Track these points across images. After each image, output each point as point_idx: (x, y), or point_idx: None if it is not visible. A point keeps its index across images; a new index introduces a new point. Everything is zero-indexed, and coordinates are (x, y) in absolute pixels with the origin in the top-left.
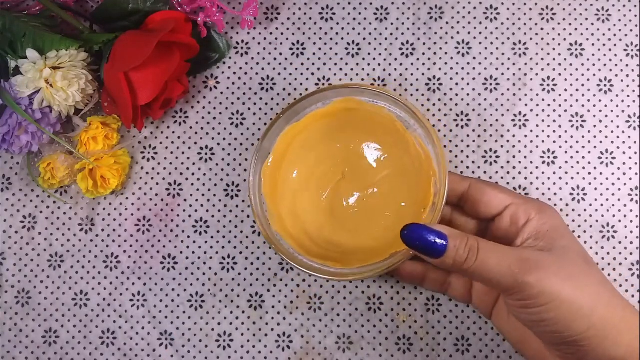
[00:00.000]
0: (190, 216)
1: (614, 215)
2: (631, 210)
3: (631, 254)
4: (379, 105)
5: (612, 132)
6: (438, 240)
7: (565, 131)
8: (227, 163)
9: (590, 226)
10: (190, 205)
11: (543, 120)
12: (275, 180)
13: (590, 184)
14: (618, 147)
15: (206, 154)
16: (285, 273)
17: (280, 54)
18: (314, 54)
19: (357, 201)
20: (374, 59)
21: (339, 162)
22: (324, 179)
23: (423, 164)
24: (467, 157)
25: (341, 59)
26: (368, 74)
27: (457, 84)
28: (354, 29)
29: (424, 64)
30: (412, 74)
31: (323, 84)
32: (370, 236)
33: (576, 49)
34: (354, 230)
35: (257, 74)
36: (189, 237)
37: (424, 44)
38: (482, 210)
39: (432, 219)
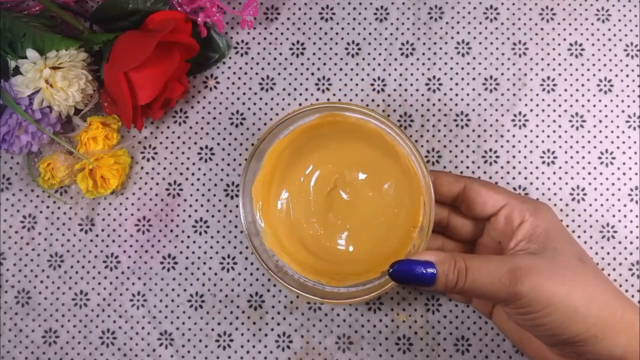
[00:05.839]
0: (190, 216)
1: (614, 215)
2: (631, 210)
3: (631, 254)
4: (366, 120)
5: (612, 132)
6: (426, 270)
7: (565, 131)
8: (227, 163)
9: (590, 226)
10: (190, 205)
11: (543, 120)
12: (267, 195)
13: (590, 184)
14: (618, 147)
15: (206, 154)
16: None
17: (280, 54)
18: (314, 54)
19: (350, 208)
20: (374, 59)
21: (330, 171)
22: (316, 188)
23: (413, 175)
24: (467, 157)
25: (341, 59)
26: (368, 74)
27: (457, 84)
28: (354, 29)
29: (424, 64)
30: (412, 74)
31: (323, 84)
32: (365, 243)
33: (576, 49)
34: (348, 238)
35: (257, 74)
36: (189, 237)
37: (424, 44)
38: (478, 210)
39: (420, 243)
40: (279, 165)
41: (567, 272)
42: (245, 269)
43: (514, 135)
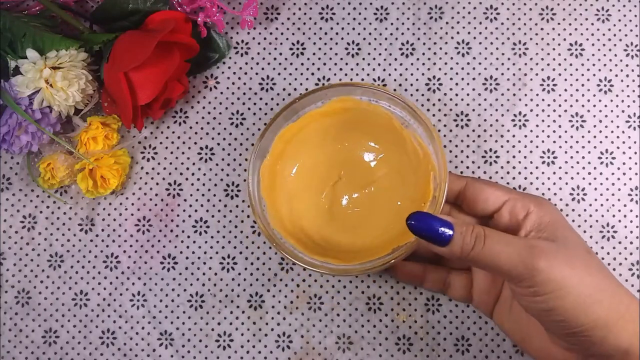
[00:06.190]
0: (190, 216)
1: (614, 215)
2: (631, 210)
3: (631, 254)
4: (376, 104)
5: (612, 132)
6: (444, 229)
7: (565, 131)
8: (227, 163)
9: (590, 226)
10: (190, 205)
11: (543, 120)
12: (274, 180)
13: (590, 184)
14: (618, 147)
15: (206, 154)
16: (285, 273)
17: (280, 54)
18: (314, 54)
19: (355, 201)
20: (374, 59)
21: (337, 163)
22: (322, 179)
23: (421, 161)
24: (467, 157)
25: (341, 59)
26: (368, 74)
27: (457, 84)
28: (354, 29)
29: (424, 64)
30: (412, 74)
31: (323, 84)
32: (369, 235)
33: (576, 49)
34: (353, 230)
35: (257, 74)
36: (189, 237)
37: (424, 44)
38: (480, 207)
39: (433, 212)
40: (286, 152)
41: (578, 261)
42: (245, 269)
43: (514, 135)
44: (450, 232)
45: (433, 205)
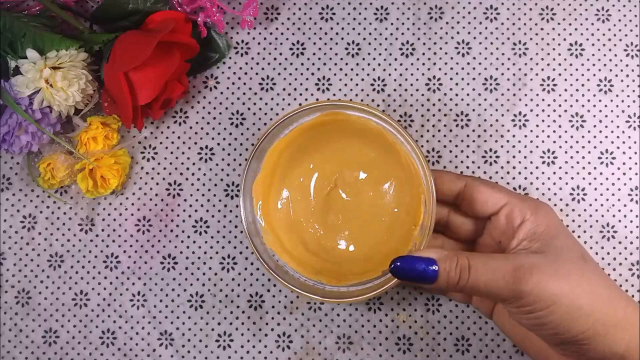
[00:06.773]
0: (190, 216)
1: (614, 215)
2: (631, 210)
3: (631, 254)
4: (366, 119)
5: (612, 132)
6: (428, 268)
7: (565, 131)
8: (227, 163)
9: (590, 226)
10: (190, 205)
11: (543, 120)
12: (268, 194)
13: (590, 184)
14: (618, 147)
15: (206, 154)
16: None
17: (280, 54)
18: (314, 54)
19: (350, 208)
20: (374, 59)
21: (330, 170)
22: (317, 187)
23: (413, 174)
24: (467, 157)
25: (341, 59)
26: (368, 74)
27: (457, 84)
28: (354, 29)
29: (424, 64)
30: (412, 74)
31: (323, 84)
32: (365, 243)
33: (576, 49)
34: (349, 238)
35: (257, 74)
36: (189, 237)
37: (424, 44)
38: (478, 209)
39: (422, 241)
40: (279, 165)
41: (570, 270)
42: (245, 269)
43: (514, 135)
44: (435, 269)
45: (422, 232)
